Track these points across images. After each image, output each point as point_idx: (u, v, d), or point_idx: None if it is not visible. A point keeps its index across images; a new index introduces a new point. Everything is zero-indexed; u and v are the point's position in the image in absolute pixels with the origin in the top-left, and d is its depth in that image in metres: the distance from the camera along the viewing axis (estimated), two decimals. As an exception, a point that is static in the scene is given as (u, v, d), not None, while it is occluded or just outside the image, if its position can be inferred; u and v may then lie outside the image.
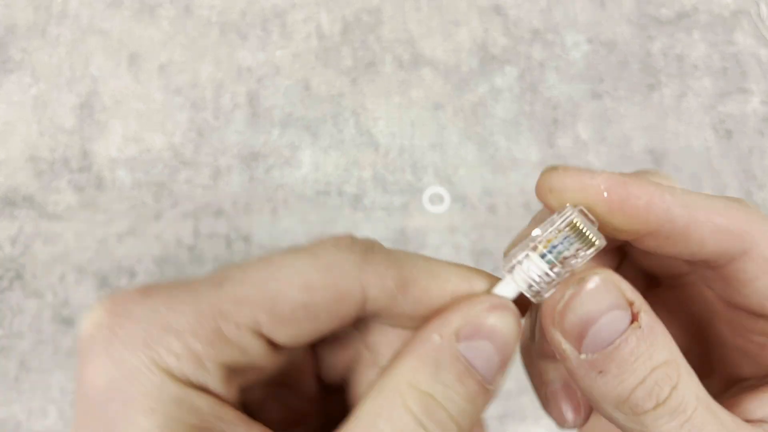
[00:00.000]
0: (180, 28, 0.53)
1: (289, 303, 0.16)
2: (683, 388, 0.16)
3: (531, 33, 0.53)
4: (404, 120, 0.51)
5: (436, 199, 0.49)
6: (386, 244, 0.18)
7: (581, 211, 0.17)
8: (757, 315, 0.18)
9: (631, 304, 0.16)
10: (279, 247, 0.53)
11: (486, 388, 0.16)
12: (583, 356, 0.16)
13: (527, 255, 0.17)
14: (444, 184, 0.49)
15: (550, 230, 0.17)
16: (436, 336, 0.16)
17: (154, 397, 0.14)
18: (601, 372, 0.16)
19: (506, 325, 0.16)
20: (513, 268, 0.17)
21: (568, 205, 0.17)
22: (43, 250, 0.48)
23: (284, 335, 0.16)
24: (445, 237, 0.48)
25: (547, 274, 0.17)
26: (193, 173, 0.49)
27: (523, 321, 0.18)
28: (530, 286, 0.17)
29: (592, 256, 0.17)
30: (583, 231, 0.17)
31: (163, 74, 0.52)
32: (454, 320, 0.16)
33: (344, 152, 0.50)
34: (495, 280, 0.18)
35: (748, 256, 0.17)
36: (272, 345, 0.16)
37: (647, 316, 0.16)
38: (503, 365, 0.16)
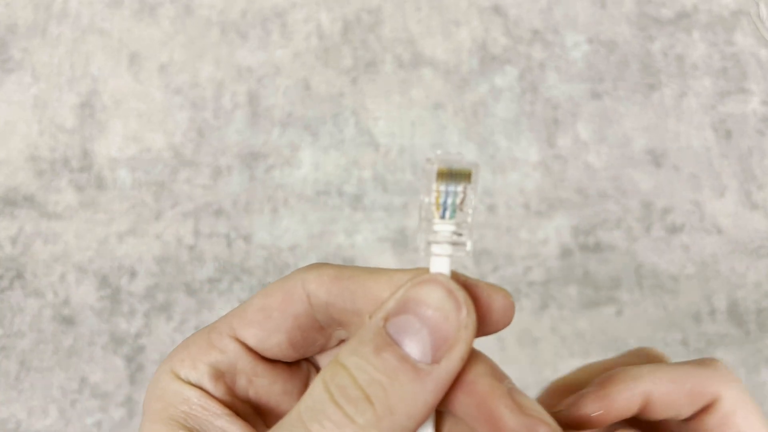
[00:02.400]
0: (180, 28, 0.53)
1: (251, 307, 0.20)
2: None
3: (531, 33, 0.53)
4: (404, 120, 0.51)
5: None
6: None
7: (438, 158, 0.17)
8: None
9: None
10: (279, 247, 0.53)
11: (415, 366, 0.16)
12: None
13: (430, 226, 0.17)
14: (444, 183, 0.49)
15: (431, 194, 0.17)
16: (367, 317, 0.17)
17: (162, 391, 0.19)
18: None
19: (432, 297, 0.16)
20: (429, 245, 0.17)
21: (426, 161, 0.17)
22: (44, 249, 0.48)
23: (251, 335, 0.20)
24: (445, 237, 0.48)
25: (457, 227, 0.17)
26: (194, 173, 0.49)
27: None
28: (454, 246, 0.17)
29: (477, 179, 0.17)
30: (454, 171, 0.17)
31: (163, 74, 0.52)
32: (387, 302, 0.17)
33: (344, 152, 0.50)
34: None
35: (712, 410, 0.20)
36: (250, 351, 0.20)
37: None
38: (439, 343, 0.16)
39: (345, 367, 0.16)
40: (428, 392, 0.16)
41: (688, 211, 0.49)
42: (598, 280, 0.47)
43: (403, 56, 0.52)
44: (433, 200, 0.17)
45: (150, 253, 0.47)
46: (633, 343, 0.45)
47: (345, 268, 0.19)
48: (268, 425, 0.20)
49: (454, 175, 0.17)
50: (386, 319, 0.16)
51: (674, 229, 0.48)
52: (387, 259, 0.47)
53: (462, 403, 0.17)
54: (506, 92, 0.51)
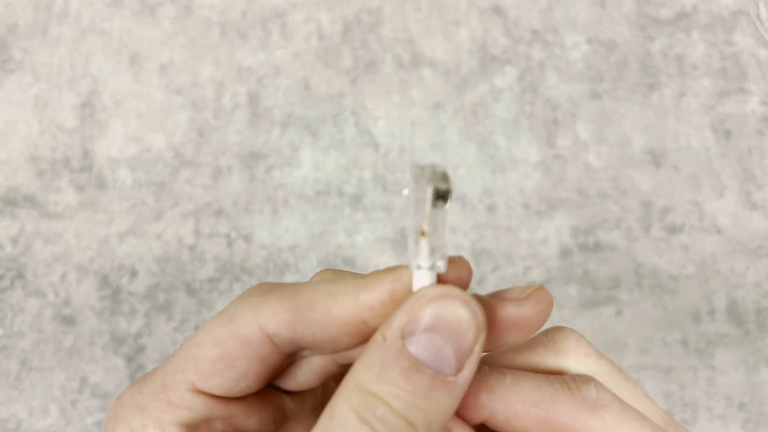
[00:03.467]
0: (180, 28, 0.53)
1: (206, 360, 0.19)
2: None
3: (531, 33, 0.53)
4: (404, 120, 0.51)
5: (436, 198, 0.49)
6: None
7: (429, 177, 0.17)
8: None
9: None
10: (279, 246, 0.53)
11: (444, 381, 0.16)
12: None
13: (422, 245, 0.17)
14: (444, 183, 0.49)
15: (424, 215, 0.17)
16: (380, 337, 0.17)
17: None
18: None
19: (452, 313, 0.16)
20: (423, 263, 0.17)
21: (415, 184, 0.17)
22: (44, 249, 0.48)
23: (216, 386, 0.19)
24: (445, 237, 0.48)
25: (441, 242, 0.17)
26: (194, 173, 0.49)
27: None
28: (432, 261, 0.17)
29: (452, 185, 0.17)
30: (441, 190, 0.17)
31: (163, 74, 0.52)
32: (398, 319, 0.17)
33: (344, 152, 0.50)
34: (397, 276, 0.18)
35: None
36: (218, 398, 0.19)
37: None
38: (462, 354, 0.16)
39: (377, 396, 0.16)
40: (457, 399, 0.17)
41: (688, 211, 0.49)
42: (597, 280, 0.47)
43: (403, 56, 0.52)
44: (425, 221, 0.17)
45: (150, 253, 0.47)
46: (633, 343, 0.46)
47: (298, 295, 0.18)
48: None
49: (443, 192, 0.17)
50: (403, 339, 0.16)
51: (674, 229, 0.48)
52: (387, 259, 0.47)
53: (488, 343, 0.18)
54: (506, 92, 0.51)
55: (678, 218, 0.48)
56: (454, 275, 0.18)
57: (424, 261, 0.17)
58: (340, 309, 0.18)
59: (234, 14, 0.54)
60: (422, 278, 0.17)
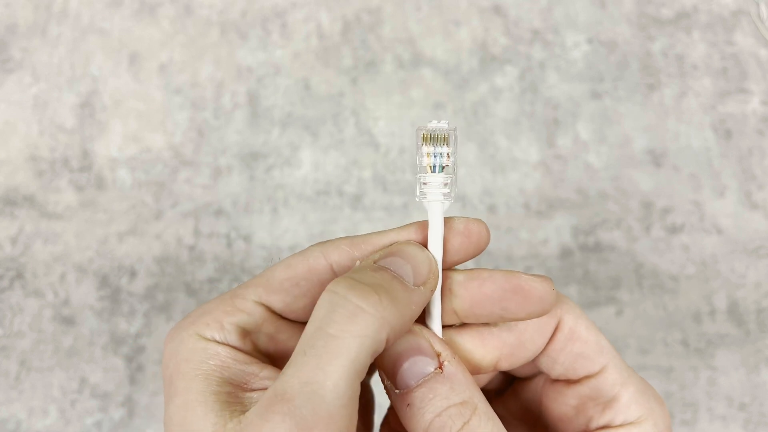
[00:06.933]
0: (180, 28, 0.53)
1: (276, 278, 0.23)
2: (475, 425, 0.20)
3: (531, 33, 0.53)
4: (404, 120, 0.51)
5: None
6: None
7: (423, 126, 0.22)
8: (568, 382, 0.24)
9: (438, 354, 0.21)
10: (279, 247, 0.53)
11: (403, 282, 0.21)
12: (397, 391, 0.21)
13: (424, 180, 0.23)
14: (444, 183, 0.49)
15: (422, 155, 0.22)
16: (357, 263, 0.22)
17: (191, 352, 0.21)
18: (408, 405, 0.21)
19: (411, 248, 0.22)
20: (424, 195, 0.23)
21: (416, 129, 0.22)
22: (44, 249, 0.48)
23: (278, 300, 0.23)
24: (445, 237, 0.48)
25: (445, 179, 0.23)
26: (193, 173, 0.49)
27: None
28: (444, 195, 0.23)
29: (456, 140, 0.22)
30: (435, 135, 0.22)
31: (163, 74, 0.52)
32: (374, 254, 0.22)
33: (344, 152, 0.50)
34: (424, 223, 0.23)
35: (558, 330, 0.23)
36: (274, 315, 0.23)
37: (451, 365, 0.21)
38: (418, 273, 0.21)
39: (348, 277, 0.20)
40: (414, 302, 0.21)
41: (688, 211, 0.49)
42: (598, 280, 0.47)
43: (403, 56, 0.52)
44: (423, 160, 0.22)
45: (150, 253, 0.47)
46: (633, 344, 0.45)
47: (354, 237, 0.23)
48: None
49: (436, 138, 0.22)
50: (375, 261, 0.21)
51: (674, 229, 0.48)
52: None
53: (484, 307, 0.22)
54: (506, 92, 0.51)
55: (678, 218, 0.48)
56: (476, 228, 0.23)
57: (434, 196, 0.22)
58: (388, 241, 0.23)
59: (234, 14, 0.54)
60: (433, 209, 0.22)
